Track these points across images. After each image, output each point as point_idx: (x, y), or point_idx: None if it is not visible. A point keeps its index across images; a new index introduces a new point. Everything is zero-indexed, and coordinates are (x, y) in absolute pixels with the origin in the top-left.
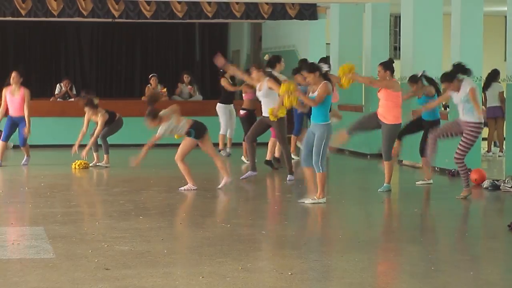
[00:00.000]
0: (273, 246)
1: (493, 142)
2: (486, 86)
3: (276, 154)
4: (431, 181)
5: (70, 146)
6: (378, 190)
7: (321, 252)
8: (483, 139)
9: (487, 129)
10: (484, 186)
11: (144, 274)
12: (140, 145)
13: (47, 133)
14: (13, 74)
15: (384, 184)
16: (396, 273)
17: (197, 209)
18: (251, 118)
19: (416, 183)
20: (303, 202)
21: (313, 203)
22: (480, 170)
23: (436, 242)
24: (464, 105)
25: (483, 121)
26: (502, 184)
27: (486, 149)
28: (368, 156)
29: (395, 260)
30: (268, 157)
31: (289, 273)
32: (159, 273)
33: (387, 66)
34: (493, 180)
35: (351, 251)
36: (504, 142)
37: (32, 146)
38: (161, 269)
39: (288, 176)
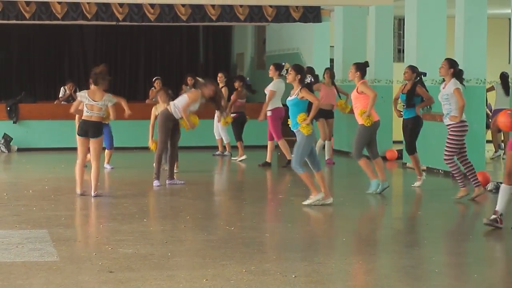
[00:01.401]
0: (277, 248)
1: (499, 144)
2: (507, 91)
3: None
4: (424, 176)
5: (74, 149)
6: (371, 191)
7: (325, 255)
8: (488, 141)
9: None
10: (488, 189)
11: (148, 277)
12: (144, 148)
13: (51, 136)
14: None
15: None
16: (400, 276)
17: (200, 212)
18: (242, 119)
19: (411, 185)
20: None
21: (311, 203)
22: (484, 172)
23: (439, 245)
24: (444, 106)
25: (464, 118)
26: None
27: (494, 150)
28: None
29: (398, 262)
30: (268, 159)
31: (293, 276)
32: (163, 276)
33: (360, 67)
34: (497, 183)
35: (355, 254)
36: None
37: (36, 149)
38: (165, 272)
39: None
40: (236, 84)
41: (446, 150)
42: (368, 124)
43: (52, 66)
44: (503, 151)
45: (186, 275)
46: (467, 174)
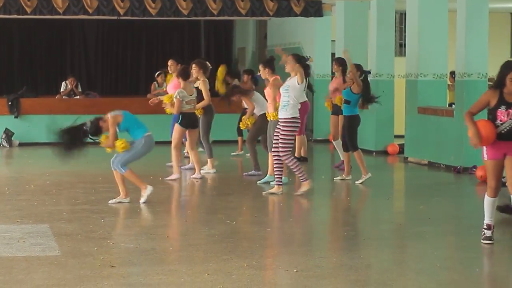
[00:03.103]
0: (279, 243)
1: None
2: None
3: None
4: (350, 177)
5: None
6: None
7: (327, 249)
8: None
9: None
10: None
11: (150, 272)
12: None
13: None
14: (169, 63)
15: (267, 176)
16: (402, 270)
17: (202, 206)
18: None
19: (356, 182)
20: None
21: (117, 202)
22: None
23: (441, 239)
24: (283, 98)
25: (297, 115)
26: None
27: None
28: (374, 153)
29: (400, 257)
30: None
31: (295, 270)
32: (164, 271)
33: (268, 64)
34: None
35: (356, 248)
36: None
37: (37, 144)
38: (167, 266)
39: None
40: (245, 78)
41: (281, 147)
42: (274, 119)
43: (53, 61)
44: None
45: (188, 270)
46: (293, 170)
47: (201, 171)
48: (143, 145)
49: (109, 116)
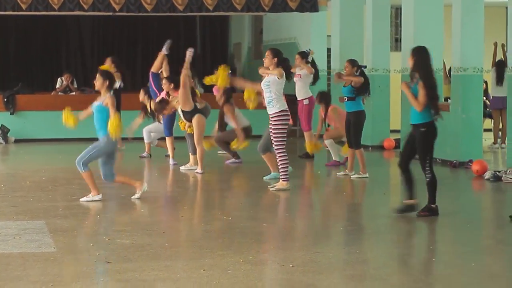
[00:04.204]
0: (275, 238)
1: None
2: (500, 78)
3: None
4: (353, 173)
5: (71, 140)
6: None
7: (323, 244)
8: (486, 130)
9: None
10: (485, 177)
11: (146, 268)
12: (137, 138)
13: (48, 127)
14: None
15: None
16: (398, 265)
17: (198, 202)
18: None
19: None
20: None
21: (88, 200)
22: (482, 161)
23: (437, 234)
24: (265, 94)
25: (285, 107)
26: (504, 175)
27: (493, 141)
28: (370, 148)
29: (396, 252)
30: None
31: (291, 265)
32: (160, 266)
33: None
34: (494, 171)
35: (352, 243)
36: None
37: (33, 140)
38: (163, 262)
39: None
40: None
41: (275, 140)
42: None
43: (49, 57)
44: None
45: (184, 265)
46: (279, 165)
47: (182, 168)
48: (106, 143)
49: (109, 95)
